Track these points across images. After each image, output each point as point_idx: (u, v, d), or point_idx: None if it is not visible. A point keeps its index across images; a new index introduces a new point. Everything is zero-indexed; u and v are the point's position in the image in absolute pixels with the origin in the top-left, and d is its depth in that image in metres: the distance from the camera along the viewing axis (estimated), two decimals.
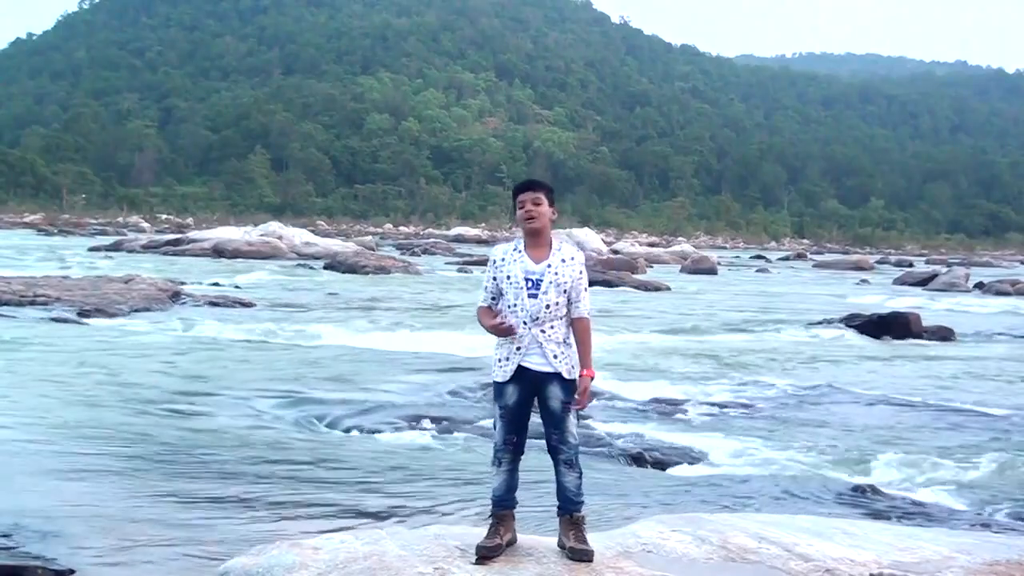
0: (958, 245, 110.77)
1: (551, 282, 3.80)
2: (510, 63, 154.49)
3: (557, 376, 3.79)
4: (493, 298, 3.93)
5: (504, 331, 3.82)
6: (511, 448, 3.85)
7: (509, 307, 3.84)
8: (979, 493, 7.15)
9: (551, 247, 3.87)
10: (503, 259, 3.90)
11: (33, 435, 7.70)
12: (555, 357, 3.79)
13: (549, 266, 3.83)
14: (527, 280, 3.81)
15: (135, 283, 19.72)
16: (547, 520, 4.80)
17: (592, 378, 3.85)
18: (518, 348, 3.81)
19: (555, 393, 3.80)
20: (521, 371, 3.81)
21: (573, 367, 3.83)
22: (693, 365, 13.59)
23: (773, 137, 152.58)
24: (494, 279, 3.91)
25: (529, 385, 3.81)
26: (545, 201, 3.88)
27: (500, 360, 3.86)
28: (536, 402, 3.87)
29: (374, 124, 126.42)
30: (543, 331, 3.80)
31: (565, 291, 3.82)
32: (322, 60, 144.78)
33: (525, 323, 3.80)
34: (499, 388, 3.86)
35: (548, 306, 3.79)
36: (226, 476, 6.69)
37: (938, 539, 4.39)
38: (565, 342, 3.83)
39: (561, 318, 3.83)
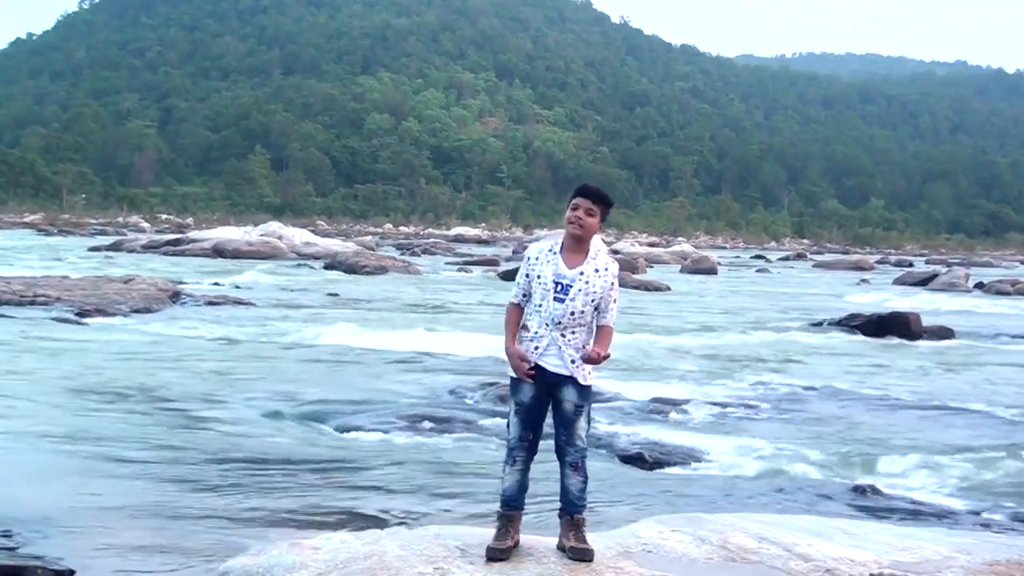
0: (958, 245, 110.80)
1: (580, 290, 3.77)
2: (510, 63, 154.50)
3: (572, 380, 3.79)
4: (524, 295, 3.89)
5: (519, 371, 3.79)
6: (526, 446, 3.84)
7: (535, 306, 3.82)
8: (979, 493, 7.15)
9: (588, 254, 3.84)
10: (536, 258, 3.87)
11: (33, 435, 7.70)
12: (572, 362, 3.78)
13: (582, 273, 3.79)
14: (556, 283, 3.78)
15: (135, 283, 19.71)
16: (547, 520, 4.80)
17: (601, 355, 3.76)
18: (536, 347, 3.80)
19: (569, 396, 3.80)
20: (538, 370, 3.80)
21: (589, 373, 3.82)
22: (694, 365, 13.59)
23: (773, 137, 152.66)
24: (527, 276, 3.88)
25: (544, 385, 3.81)
26: (598, 215, 3.83)
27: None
28: (550, 403, 3.86)
29: (374, 124, 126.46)
30: (563, 335, 3.78)
31: (593, 301, 3.79)
32: (322, 60, 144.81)
33: (547, 324, 3.78)
34: (515, 384, 3.85)
35: (573, 313, 3.77)
36: (226, 476, 6.69)
37: (938, 539, 4.39)
38: (584, 348, 3.80)
39: (584, 325, 3.80)
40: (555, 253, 3.85)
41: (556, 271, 3.80)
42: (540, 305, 3.80)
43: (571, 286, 3.77)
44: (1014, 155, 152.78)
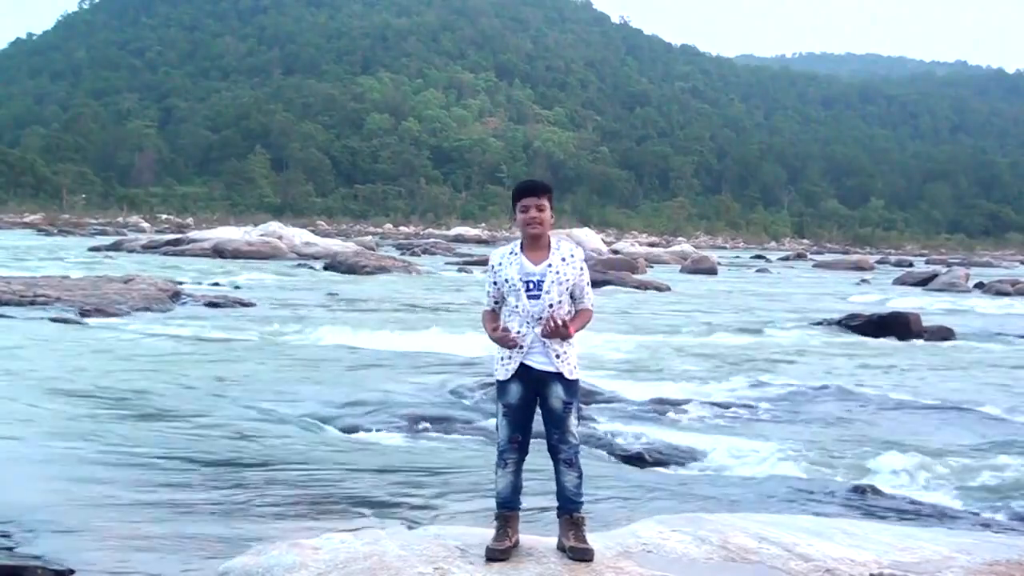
0: (958, 245, 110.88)
1: (553, 281, 3.80)
2: (510, 63, 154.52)
3: (559, 376, 3.79)
4: (496, 302, 3.94)
5: (506, 342, 3.80)
6: (516, 448, 3.85)
7: (511, 309, 3.84)
8: (979, 493, 7.15)
9: (550, 248, 3.87)
10: (500, 263, 3.90)
11: (33, 435, 7.70)
12: (557, 357, 3.79)
13: (550, 266, 3.81)
14: (526, 282, 3.80)
15: (135, 283, 19.72)
16: (547, 520, 4.80)
17: (569, 332, 3.75)
18: (520, 347, 3.81)
19: (556, 392, 3.80)
20: (523, 369, 3.80)
21: (575, 367, 3.83)
22: (693, 365, 13.58)
23: (773, 137, 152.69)
24: (494, 283, 3.91)
25: (531, 384, 3.81)
26: (548, 207, 3.87)
27: (503, 359, 3.85)
28: (537, 401, 3.86)
29: (374, 124, 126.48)
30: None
31: (567, 289, 3.82)
32: (322, 60, 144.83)
33: (528, 323, 3.80)
34: (502, 386, 3.86)
35: (551, 305, 3.79)
36: (226, 476, 6.68)
37: (938, 539, 4.39)
38: (567, 341, 3.82)
39: (563, 317, 3.83)
40: (516, 255, 3.87)
41: (522, 270, 3.82)
42: (516, 306, 3.83)
43: (542, 281, 3.80)
44: (1014, 155, 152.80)
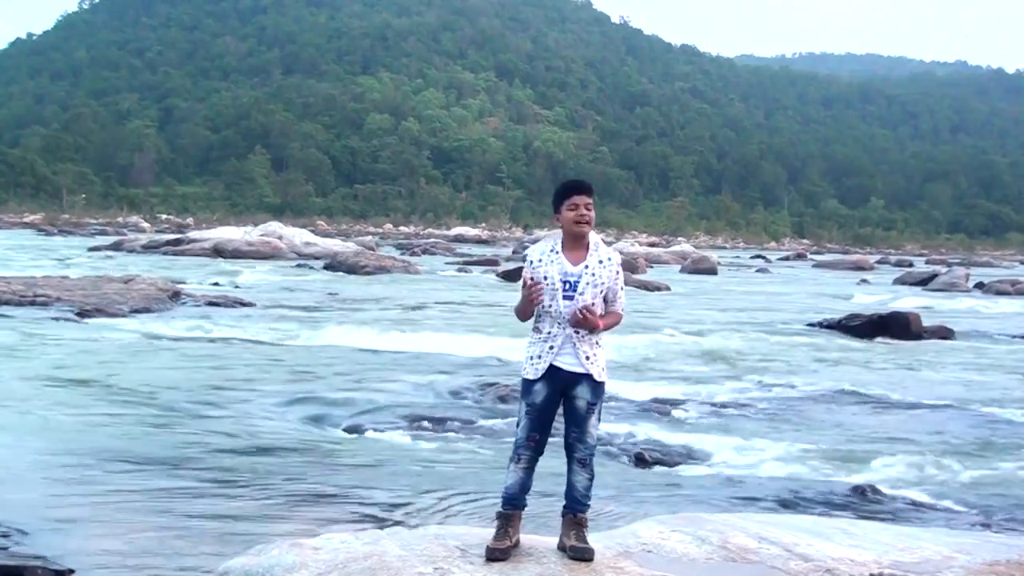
0: (958, 245, 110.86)
1: (588, 283, 3.79)
2: (510, 63, 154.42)
3: (588, 377, 3.79)
4: None
5: (532, 296, 3.75)
6: (533, 446, 3.84)
7: (544, 308, 3.82)
8: (979, 493, 7.15)
9: (588, 248, 3.85)
10: (540, 260, 3.86)
11: (32, 436, 7.70)
12: (587, 359, 3.78)
13: (587, 267, 3.81)
14: (564, 282, 3.79)
15: (135, 283, 19.71)
16: (546, 520, 4.80)
17: (597, 324, 3.78)
18: (551, 347, 3.80)
19: (583, 393, 3.80)
20: (553, 370, 3.79)
21: (603, 369, 3.83)
22: (693, 365, 13.59)
23: (773, 137, 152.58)
24: (532, 279, 3.88)
25: (559, 384, 3.80)
26: (592, 206, 3.88)
27: (532, 358, 3.83)
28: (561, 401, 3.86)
29: (374, 124, 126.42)
30: (577, 332, 3.78)
31: (601, 292, 3.82)
32: (322, 60, 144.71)
33: (559, 324, 3.79)
34: (528, 385, 3.84)
35: (584, 307, 3.78)
36: (226, 476, 6.69)
37: (938, 539, 4.39)
38: (597, 343, 3.83)
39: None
40: (557, 253, 3.85)
41: (562, 270, 3.81)
42: (550, 305, 3.80)
43: (578, 282, 3.79)
44: (1014, 155, 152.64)
